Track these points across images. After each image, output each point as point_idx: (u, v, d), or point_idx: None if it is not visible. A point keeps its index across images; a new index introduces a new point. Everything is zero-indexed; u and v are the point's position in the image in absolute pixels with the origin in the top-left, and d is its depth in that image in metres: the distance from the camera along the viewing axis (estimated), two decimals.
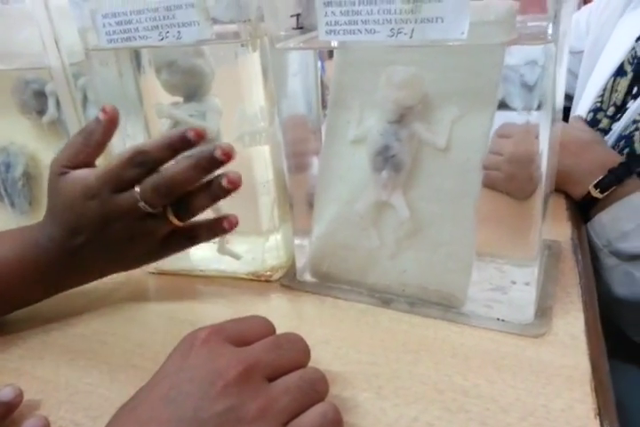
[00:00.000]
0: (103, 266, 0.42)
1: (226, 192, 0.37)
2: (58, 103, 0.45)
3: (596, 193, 0.53)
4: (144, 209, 0.37)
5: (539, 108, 0.32)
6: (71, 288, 0.42)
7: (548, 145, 0.33)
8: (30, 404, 0.34)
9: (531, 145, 0.34)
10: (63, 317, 0.43)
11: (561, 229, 0.49)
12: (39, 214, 0.50)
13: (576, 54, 0.83)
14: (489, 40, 0.34)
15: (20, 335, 0.41)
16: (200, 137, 0.36)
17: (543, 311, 0.38)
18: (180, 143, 0.36)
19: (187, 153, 0.37)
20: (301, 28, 0.35)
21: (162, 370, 0.28)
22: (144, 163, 0.36)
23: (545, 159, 0.33)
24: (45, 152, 0.48)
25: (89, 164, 0.39)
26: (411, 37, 0.31)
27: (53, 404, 0.34)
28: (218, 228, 0.40)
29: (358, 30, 0.33)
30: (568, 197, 0.56)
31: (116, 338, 0.40)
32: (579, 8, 1.41)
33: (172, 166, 0.37)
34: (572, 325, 0.36)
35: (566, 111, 0.82)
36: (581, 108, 0.72)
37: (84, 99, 0.46)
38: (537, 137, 0.33)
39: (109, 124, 0.38)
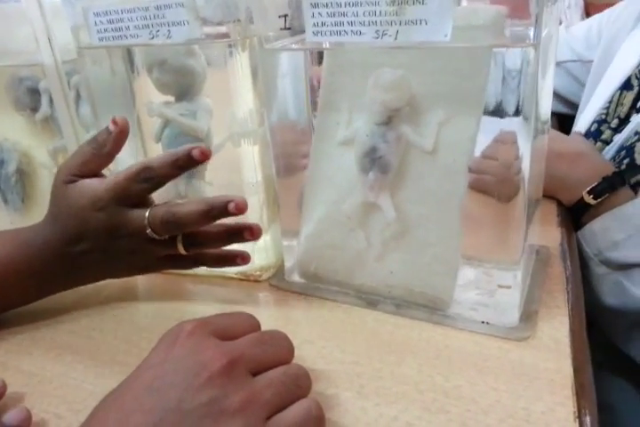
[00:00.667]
0: (99, 273, 0.42)
1: (242, 237, 0.39)
2: (51, 100, 0.45)
3: (589, 199, 0.53)
4: (150, 235, 0.38)
5: (517, 113, 0.32)
6: (64, 290, 0.43)
7: (529, 151, 0.33)
8: (14, 396, 0.35)
9: (509, 150, 0.34)
10: (53, 313, 0.43)
11: (551, 235, 0.49)
12: (32, 211, 0.51)
13: (586, 63, 0.83)
14: (475, 44, 0.34)
15: (9, 331, 0.42)
16: (205, 156, 0.37)
17: (528, 315, 0.38)
18: (186, 161, 0.37)
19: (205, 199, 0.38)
20: (289, 28, 0.35)
21: (146, 361, 0.28)
22: (150, 179, 0.37)
23: (526, 165, 0.33)
24: (38, 149, 0.49)
25: (97, 173, 0.40)
26: (395, 39, 0.32)
27: (37, 397, 0.34)
28: (229, 261, 0.42)
29: (345, 31, 0.33)
30: (560, 203, 0.56)
31: (103, 334, 0.41)
32: (582, 19, 1.41)
33: (184, 207, 0.37)
34: (556, 329, 0.36)
35: (571, 119, 0.81)
36: (585, 118, 0.72)
37: (77, 96, 0.46)
38: (514, 142, 0.33)
39: (119, 135, 0.39)
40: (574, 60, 0.85)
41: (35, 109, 0.46)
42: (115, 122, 0.38)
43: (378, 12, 0.32)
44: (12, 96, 0.47)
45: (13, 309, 0.42)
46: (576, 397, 0.31)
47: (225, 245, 0.41)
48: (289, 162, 0.42)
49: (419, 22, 0.31)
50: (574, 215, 0.55)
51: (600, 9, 1.21)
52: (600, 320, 0.56)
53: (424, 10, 0.30)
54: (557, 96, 0.87)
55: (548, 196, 0.56)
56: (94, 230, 0.38)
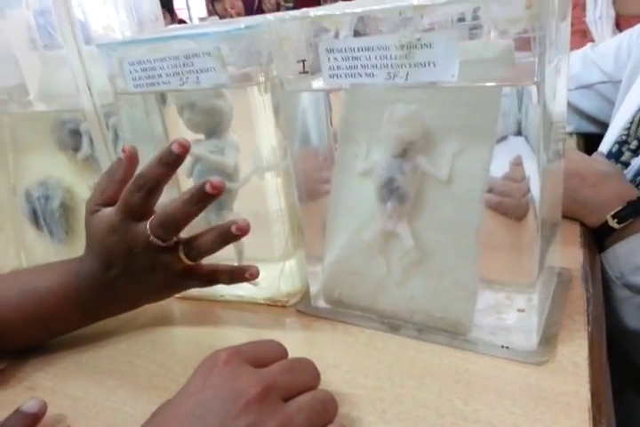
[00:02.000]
0: (135, 296, 0.45)
1: (235, 238, 0.40)
2: (91, 141, 0.49)
3: (613, 223, 0.53)
4: (155, 243, 0.40)
5: (519, 134, 0.34)
6: (108, 317, 0.46)
7: (537, 173, 0.34)
8: (60, 418, 0.37)
9: (516, 172, 0.35)
10: (95, 339, 0.46)
11: (573, 257, 0.49)
12: (75, 243, 0.54)
13: (616, 84, 0.80)
14: (484, 78, 0.35)
15: (56, 356, 0.45)
16: (184, 148, 0.38)
17: (547, 339, 0.38)
18: (168, 157, 0.39)
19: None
20: (307, 72, 0.37)
21: (186, 388, 0.31)
22: (143, 185, 0.39)
23: (535, 186, 0.34)
24: (80, 186, 0.52)
25: (116, 200, 0.42)
26: (406, 80, 0.34)
27: (83, 420, 0.37)
28: (239, 277, 0.43)
29: (359, 74, 0.35)
30: (583, 225, 0.56)
31: (141, 360, 0.43)
32: (613, 30, 1.38)
33: (171, 203, 0.40)
34: (575, 352, 0.37)
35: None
36: (608, 138, 0.72)
37: (115, 136, 0.50)
38: (519, 164, 0.34)
39: (129, 162, 0.41)
40: (604, 82, 0.83)
41: (76, 149, 0.50)
42: (124, 150, 0.41)
43: (389, 56, 0.34)
44: (56, 137, 0.51)
45: (62, 335, 0.46)
46: (592, 421, 0.31)
47: (220, 245, 0.41)
48: (311, 189, 0.44)
49: (427, 64, 0.33)
50: (598, 238, 0.55)
51: (629, 22, 1.18)
52: (622, 343, 0.56)
53: (432, 53, 0.32)
54: (589, 117, 0.86)
55: (571, 218, 0.56)
56: (116, 253, 0.41)
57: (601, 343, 0.39)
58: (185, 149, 0.39)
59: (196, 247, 0.41)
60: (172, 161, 0.39)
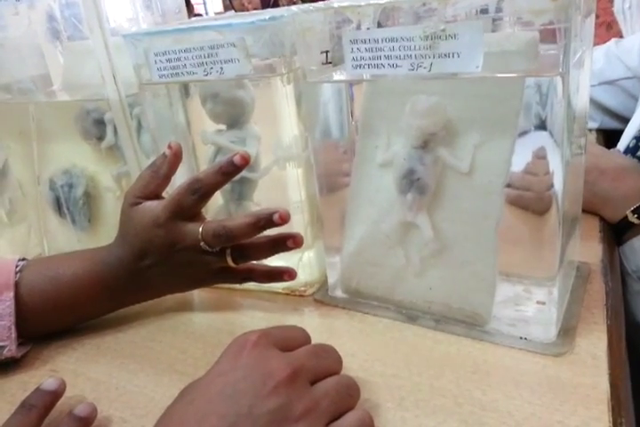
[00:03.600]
0: (163, 287, 0.46)
1: (286, 249, 0.42)
2: (115, 130, 0.49)
3: (633, 218, 0.53)
4: (204, 248, 0.41)
5: (542, 128, 0.34)
6: (133, 304, 0.47)
7: (561, 167, 0.34)
8: (82, 399, 0.38)
9: (540, 165, 0.35)
10: (116, 324, 0.47)
11: (593, 251, 0.49)
12: (97, 231, 0.55)
13: None
14: (507, 70, 0.35)
15: (78, 340, 0.46)
16: (245, 160, 0.40)
17: (566, 331, 0.38)
18: (229, 168, 0.40)
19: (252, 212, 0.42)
20: (330, 62, 0.38)
21: (216, 368, 0.31)
22: (198, 189, 0.41)
23: (558, 180, 0.35)
24: (104, 174, 0.53)
25: (158, 195, 0.43)
26: (430, 71, 0.34)
27: (105, 403, 0.38)
28: (277, 278, 0.45)
29: (382, 65, 0.35)
30: (603, 219, 0.56)
31: (162, 345, 0.44)
32: None
33: (234, 220, 0.41)
34: (594, 345, 0.37)
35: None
36: (627, 133, 0.71)
37: (139, 126, 0.50)
38: (544, 158, 0.34)
39: (174, 159, 0.43)
40: (628, 78, 0.82)
41: (100, 138, 0.51)
42: (170, 146, 0.42)
43: (413, 47, 0.34)
44: (80, 127, 0.51)
45: (86, 321, 0.47)
46: (612, 412, 0.31)
47: (270, 255, 0.44)
48: (331, 181, 0.45)
49: (451, 55, 0.33)
50: (617, 232, 0.55)
51: None
52: (634, 337, 0.55)
53: (456, 44, 0.33)
54: (612, 113, 0.84)
55: (591, 212, 0.56)
56: (156, 246, 0.42)
57: (620, 337, 0.39)
58: (246, 162, 0.40)
59: (246, 255, 0.43)
60: (231, 171, 0.41)
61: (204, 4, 4.91)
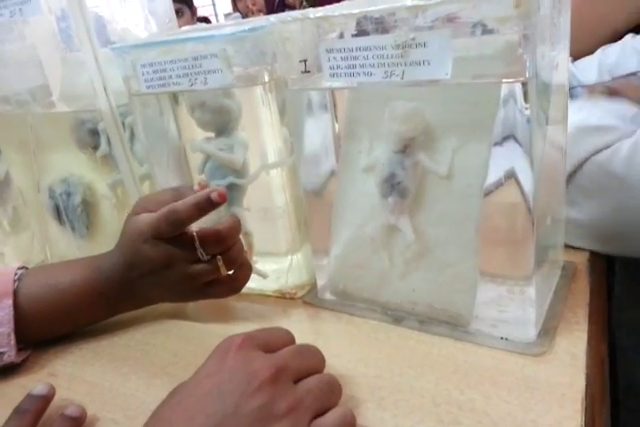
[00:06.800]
0: (154, 297, 0.47)
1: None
2: (109, 140, 0.51)
3: None
4: (200, 256, 0.42)
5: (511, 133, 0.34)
6: (128, 311, 0.48)
7: (529, 168, 0.35)
8: (70, 403, 0.39)
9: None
10: (112, 328, 0.49)
11: (579, 250, 0.49)
12: (95, 238, 0.57)
13: None
14: (485, 75, 0.36)
15: (75, 344, 0.47)
16: (222, 198, 0.41)
17: (547, 331, 0.39)
18: (205, 204, 0.41)
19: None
20: (308, 71, 0.38)
21: (202, 371, 0.33)
22: (175, 221, 0.41)
23: (528, 185, 0.35)
24: (100, 183, 0.55)
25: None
26: (402, 78, 0.35)
27: (98, 404, 0.39)
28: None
29: (357, 73, 0.36)
30: None
31: (155, 348, 0.45)
32: None
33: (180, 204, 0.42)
34: (574, 345, 0.38)
35: None
36: None
37: (132, 135, 0.52)
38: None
39: (201, 199, 0.41)
40: None
41: (95, 148, 0.52)
42: (200, 185, 0.44)
43: (385, 55, 0.35)
44: (75, 137, 0.53)
45: (84, 327, 0.48)
46: (585, 411, 0.32)
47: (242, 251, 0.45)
48: (316, 186, 0.46)
49: (422, 63, 0.34)
50: None
51: None
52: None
53: (426, 52, 0.33)
54: None
55: None
56: (142, 259, 0.43)
57: (601, 336, 0.39)
58: (223, 200, 0.41)
59: (231, 256, 0.43)
60: (207, 207, 0.41)
61: (214, 5, 4.94)
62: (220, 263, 0.43)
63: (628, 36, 0.85)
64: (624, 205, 0.46)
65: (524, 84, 0.32)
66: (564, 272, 0.46)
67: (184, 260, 0.43)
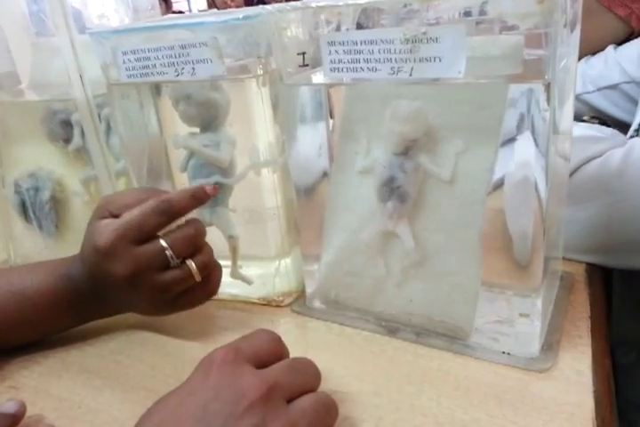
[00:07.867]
0: (123, 307, 0.43)
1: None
2: (82, 132, 0.47)
3: None
4: (171, 260, 0.38)
5: (526, 136, 0.33)
6: (97, 319, 0.44)
7: (544, 176, 0.33)
8: (40, 419, 0.36)
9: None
10: (83, 336, 0.45)
11: (575, 261, 0.48)
12: (65, 237, 0.53)
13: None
14: (491, 75, 0.34)
15: (42, 353, 0.43)
16: (215, 191, 0.40)
17: (550, 345, 0.37)
18: (201, 193, 0.39)
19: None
20: (307, 65, 0.36)
21: (185, 387, 0.29)
22: (167, 210, 0.38)
23: (542, 190, 0.33)
24: (71, 178, 0.51)
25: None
26: (410, 75, 0.32)
27: (66, 422, 0.36)
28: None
29: (361, 68, 0.34)
30: None
31: (130, 359, 0.42)
32: None
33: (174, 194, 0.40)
34: (578, 360, 0.36)
35: None
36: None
37: (108, 128, 0.48)
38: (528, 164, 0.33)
39: (193, 201, 0.40)
40: (627, 82, 0.81)
41: (68, 141, 0.48)
42: (202, 189, 0.41)
43: (393, 50, 0.32)
44: (46, 128, 0.49)
45: (50, 336, 0.44)
46: None
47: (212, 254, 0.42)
48: (308, 187, 0.43)
49: (433, 59, 0.31)
50: None
51: None
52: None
53: (438, 47, 0.31)
54: (614, 121, 0.83)
55: None
56: (106, 274, 0.39)
57: (604, 351, 0.38)
58: (215, 193, 0.41)
59: (203, 260, 0.40)
60: (204, 198, 0.40)
61: (188, 0, 4.85)
62: (193, 266, 0.39)
63: (610, 48, 0.85)
64: (614, 215, 0.45)
65: (545, 86, 0.30)
66: (562, 283, 0.44)
67: (153, 269, 0.38)
